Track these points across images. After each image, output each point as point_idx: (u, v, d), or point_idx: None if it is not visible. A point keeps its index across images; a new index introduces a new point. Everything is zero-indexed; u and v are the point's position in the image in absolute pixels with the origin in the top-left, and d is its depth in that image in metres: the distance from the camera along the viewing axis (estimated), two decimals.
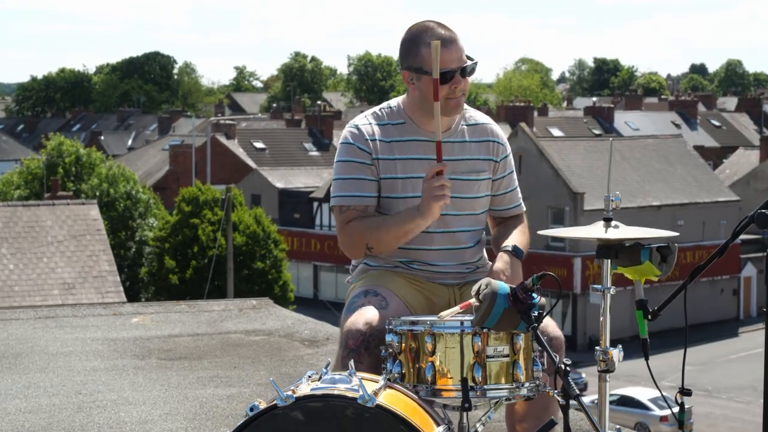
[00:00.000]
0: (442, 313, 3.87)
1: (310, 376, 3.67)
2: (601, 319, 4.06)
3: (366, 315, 4.14)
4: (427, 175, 4.18)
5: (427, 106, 4.32)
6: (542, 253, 45.96)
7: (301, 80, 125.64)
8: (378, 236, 4.32)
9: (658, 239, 4.00)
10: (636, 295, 4.02)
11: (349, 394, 3.45)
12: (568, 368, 3.64)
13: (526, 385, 3.85)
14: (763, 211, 3.61)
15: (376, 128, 4.40)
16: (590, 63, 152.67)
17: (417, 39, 4.32)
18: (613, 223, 4.02)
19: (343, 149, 4.42)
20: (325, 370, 3.61)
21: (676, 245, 4.00)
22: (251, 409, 3.53)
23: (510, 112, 68.73)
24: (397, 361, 3.89)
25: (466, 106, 4.51)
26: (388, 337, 3.92)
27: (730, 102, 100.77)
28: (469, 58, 4.34)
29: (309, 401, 3.45)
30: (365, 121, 4.44)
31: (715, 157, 68.94)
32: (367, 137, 4.38)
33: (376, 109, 4.50)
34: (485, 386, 3.79)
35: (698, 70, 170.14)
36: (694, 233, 48.61)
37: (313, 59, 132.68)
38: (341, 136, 4.48)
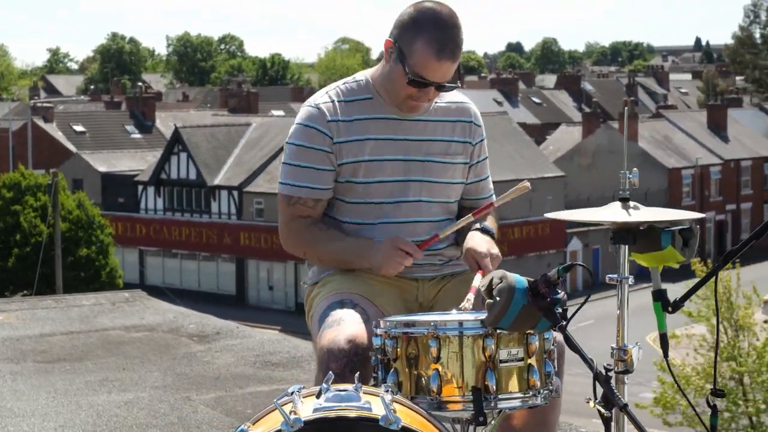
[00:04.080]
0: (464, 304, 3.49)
1: (299, 392, 3.07)
2: (618, 312, 3.57)
3: (347, 331, 3.57)
4: (398, 241, 3.73)
5: (392, 90, 3.79)
6: None
7: (119, 61, 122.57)
8: (319, 252, 3.87)
9: (681, 221, 3.53)
10: (653, 285, 3.53)
11: (368, 415, 2.87)
12: (609, 374, 3.15)
13: (542, 392, 3.34)
14: None
15: (338, 106, 3.82)
16: None
17: (420, 28, 3.68)
18: (632, 203, 3.52)
19: (298, 131, 3.83)
20: (326, 386, 3.01)
21: (698, 227, 3.53)
22: None
23: None
24: (393, 369, 3.34)
25: None
26: (377, 341, 3.35)
27: (549, 79, 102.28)
28: (458, 71, 3.77)
29: (320, 425, 2.86)
30: (326, 98, 3.85)
31: (536, 134, 69.68)
32: (329, 117, 3.80)
33: (339, 83, 3.92)
34: (499, 395, 3.27)
35: (515, 48, 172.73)
36: (521, 209, 49.13)
37: (132, 40, 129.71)
38: (298, 114, 3.88)
